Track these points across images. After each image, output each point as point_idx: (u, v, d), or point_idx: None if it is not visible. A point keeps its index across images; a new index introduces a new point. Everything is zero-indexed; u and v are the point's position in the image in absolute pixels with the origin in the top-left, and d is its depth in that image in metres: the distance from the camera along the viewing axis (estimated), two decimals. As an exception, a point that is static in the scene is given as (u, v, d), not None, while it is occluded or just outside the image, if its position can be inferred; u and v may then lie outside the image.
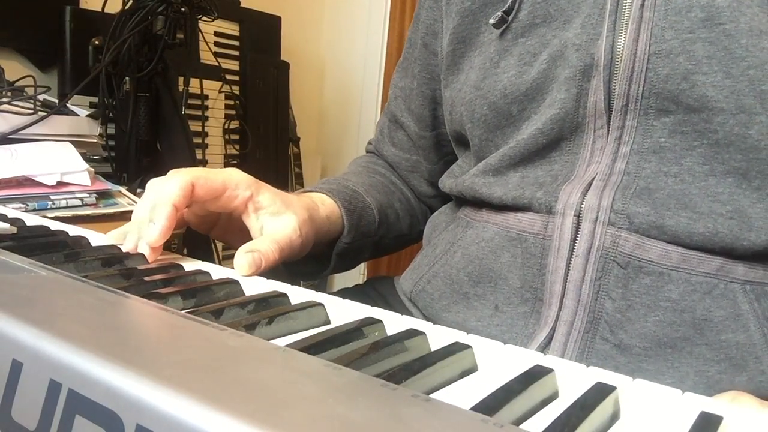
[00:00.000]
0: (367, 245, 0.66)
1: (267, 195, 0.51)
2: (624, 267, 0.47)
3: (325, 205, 0.60)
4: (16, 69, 1.32)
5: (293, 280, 0.44)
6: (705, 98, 0.44)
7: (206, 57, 1.57)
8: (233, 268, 0.45)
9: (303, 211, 0.54)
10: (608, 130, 0.49)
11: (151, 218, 0.45)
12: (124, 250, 0.46)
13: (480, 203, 0.57)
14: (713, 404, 0.26)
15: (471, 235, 0.57)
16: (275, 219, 0.51)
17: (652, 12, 0.46)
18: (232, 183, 0.49)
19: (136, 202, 0.96)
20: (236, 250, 0.46)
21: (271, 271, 0.47)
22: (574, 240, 0.49)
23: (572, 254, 0.49)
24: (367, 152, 0.81)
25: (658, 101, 0.46)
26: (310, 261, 0.61)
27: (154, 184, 0.48)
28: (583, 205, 0.48)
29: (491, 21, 0.55)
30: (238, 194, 0.50)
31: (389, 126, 0.75)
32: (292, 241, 0.51)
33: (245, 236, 0.52)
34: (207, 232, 0.58)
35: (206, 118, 1.56)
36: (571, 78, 0.50)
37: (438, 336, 0.32)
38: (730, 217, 0.45)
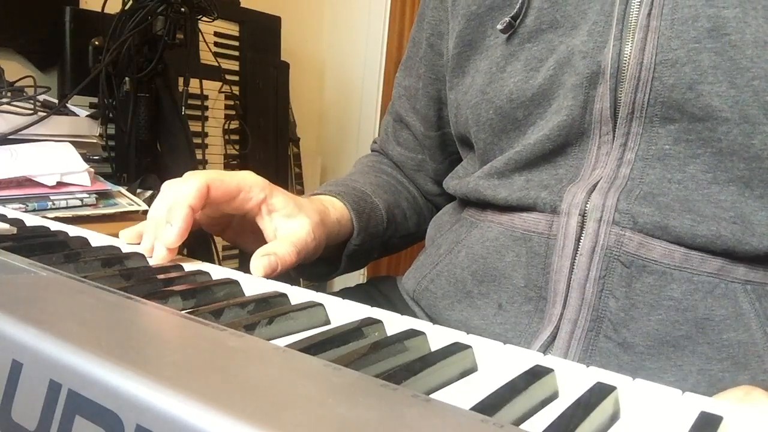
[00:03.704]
0: (376, 245, 0.67)
1: (280, 198, 0.52)
2: (627, 266, 0.47)
3: (335, 208, 0.61)
4: (16, 69, 1.32)
5: (299, 281, 0.44)
6: (710, 108, 0.45)
7: (206, 57, 1.57)
8: (233, 268, 0.45)
9: (315, 215, 0.54)
10: (613, 137, 0.49)
11: (168, 220, 0.45)
12: (140, 251, 0.46)
13: (484, 204, 0.57)
14: (713, 404, 0.26)
15: (475, 234, 0.57)
16: (289, 221, 0.52)
17: (658, 21, 0.47)
18: (247, 185, 0.50)
19: (136, 203, 0.96)
20: (248, 252, 0.47)
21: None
22: (578, 239, 0.49)
23: (576, 253, 0.49)
24: (372, 151, 0.81)
25: (664, 110, 0.47)
26: (319, 263, 0.61)
27: (170, 186, 0.48)
28: (587, 205, 0.49)
29: (499, 26, 0.55)
30: (252, 197, 0.50)
31: (394, 125, 0.75)
32: (308, 244, 0.52)
33: (258, 238, 0.52)
34: (220, 234, 0.58)
35: (206, 118, 1.56)
36: (578, 85, 0.50)
37: (438, 336, 0.32)
38: (733, 222, 0.45)
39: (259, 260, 0.46)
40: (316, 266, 0.62)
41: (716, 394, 0.35)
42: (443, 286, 0.58)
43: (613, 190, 0.48)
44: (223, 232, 0.58)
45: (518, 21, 0.54)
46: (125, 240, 0.50)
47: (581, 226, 0.49)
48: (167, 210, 0.46)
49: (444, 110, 0.69)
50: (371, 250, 0.67)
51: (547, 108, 0.52)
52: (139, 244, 0.49)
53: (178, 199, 0.45)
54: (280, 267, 0.47)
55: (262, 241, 0.51)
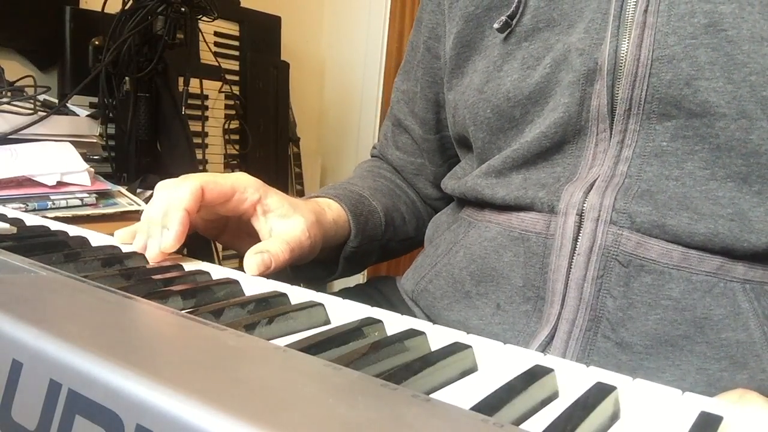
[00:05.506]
0: (374, 249, 0.67)
1: (275, 198, 0.52)
2: (625, 265, 0.47)
3: (331, 209, 0.60)
4: (16, 69, 1.32)
5: (297, 283, 0.44)
6: (707, 103, 0.45)
7: (206, 57, 1.57)
8: (233, 268, 0.45)
9: (311, 215, 0.54)
10: (611, 134, 0.49)
11: (165, 224, 0.45)
12: (132, 248, 0.46)
13: (482, 204, 0.57)
14: (713, 404, 0.26)
15: (473, 234, 0.57)
16: (284, 221, 0.52)
17: (655, 17, 0.47)
18: (241, 186, 0.50)
19: (136, 202, 0.96)
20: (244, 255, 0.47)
21: (276, 275, 0.47)
22: (576, 239, 0.49)
23: (574, 253, 0.49)
24: (372, 156, 0.81)
25: (661, 106, 0.47)
26: (317, 266, 0.61)
27: (164, 188, 0.48)
28: (585, 204, 0.49)
29: (495, 25, 0.55)
30: (246, 197, 0.50)
31: (393, 130, 0.75)
32: (302, 243, 0.51)
33: (254, 242, 0.52)
34: (215, 237, 0.58)
35: (206, 118, 1.56)
36: (574, 82, 0.50)
37: (438, 336, 0.32)
38: (730, 219, 0.45)
39: (252, 258, 0.46)
40: (313, 269, 0.61)
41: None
42: (442, 286, 0.58)
43: (611, 188, 0.48)
44: (219, 236, 0.57)
45: (515, 20, 0.54)
46: (120, 240, 0.50)
47: (579, 226, 0.49)
48: (163, 214, 0.45)
49: (442, 113, 0.69)
50: (369, 253, 0.66)
51: (544, 106, 0.52)
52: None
53: (173, 203, 0.45)
54: (274, 265, 0.47)
55: (258, 243, 0.51)
